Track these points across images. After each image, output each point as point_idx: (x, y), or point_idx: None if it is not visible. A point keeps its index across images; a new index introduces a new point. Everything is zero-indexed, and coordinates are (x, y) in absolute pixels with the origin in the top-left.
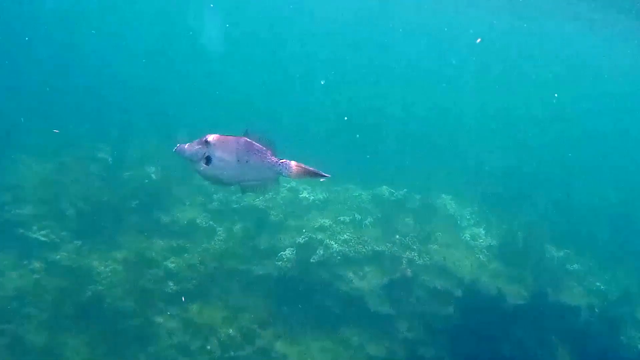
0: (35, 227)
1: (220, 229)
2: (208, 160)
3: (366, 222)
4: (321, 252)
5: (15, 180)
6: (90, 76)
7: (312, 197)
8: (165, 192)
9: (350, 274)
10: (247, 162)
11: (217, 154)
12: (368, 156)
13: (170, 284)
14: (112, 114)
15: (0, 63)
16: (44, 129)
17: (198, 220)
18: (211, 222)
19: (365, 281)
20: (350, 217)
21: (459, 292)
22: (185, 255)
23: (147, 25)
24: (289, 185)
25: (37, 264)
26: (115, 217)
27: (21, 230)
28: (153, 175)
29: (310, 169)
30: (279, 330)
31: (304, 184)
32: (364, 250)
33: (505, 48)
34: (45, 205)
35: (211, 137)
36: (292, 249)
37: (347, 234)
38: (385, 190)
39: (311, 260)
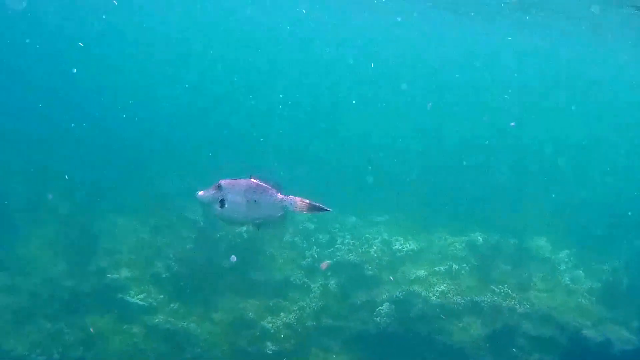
0: (132, 292)
1: (314, 285)
2: (222, 203)
3: (462, 271)
4: (419, 305)
5: (112, 245)
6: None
7: (405, 248)
8: (258, 250)
9: (450, 327)
10: (255, 201)
11: (229, 196)
12: (459, 202)
13: (269, 344)
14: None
15: (93, 124)
16: (136, 188)
17: (292, 278)
18: (305, 280)
19: (466, 333)
20: (446, 267)
21: (563, 340)
22: (282, 314)
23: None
24: (381, 238)
25: (136, 329)
26: (210, 278)
27: (120, 295)
28: (244, 234)
29: (314, 203)
30: None
31: (397, 235)
32: (462, 301)
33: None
34: (141, 269)
35: (223, 182)
36: (389, 303)
37: (444, 285)
38: (478, 236)
39: (410, 315)
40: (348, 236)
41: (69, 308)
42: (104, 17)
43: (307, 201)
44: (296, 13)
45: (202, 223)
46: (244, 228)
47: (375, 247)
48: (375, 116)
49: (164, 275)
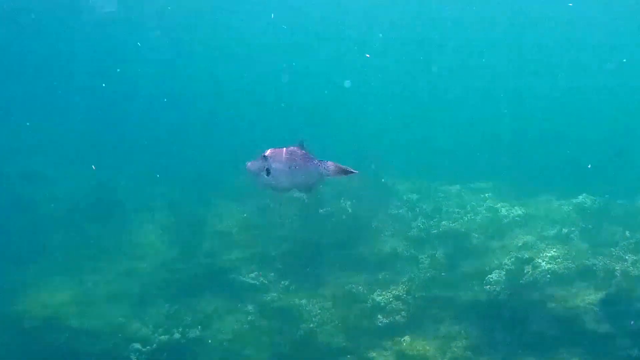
0: (244, 271)
1: (422, 256)
2: (267, 171)
3: (571, 235)
4: (529, 271)
5: (221, 227)
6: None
7: (511, 214)
8: (364, 224)
9: (563, 293)
10: (296, 167)
11: (274, 165)
12: (562, 164)
13: (380, 317)
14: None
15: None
16: (239, 176)
17: (399, 250)
18: (412, 251)
19: (579, 299)
20: (554, 232)
21: None
22: (391, 286)
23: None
24: (486, 205)
25: (250, 307)
26: (318, 254)
27: (232, 275)
28: (349, 209)
29: (344, 167)
30: (495, 356)
31: (501, 201)
32: (573, 265)
33: None
34: (250, 249)
35: (267, 152)
36: (498, 271)
37: (554, 250)
38: (585, 198)
39: (520, 282)
40: (453, 205)
41: (185, 290)
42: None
43: (338, 165)
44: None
45: (306, 200)
46: (348, 202)
47: (481, 215)
48: (466, 85)
49: (272, 254)
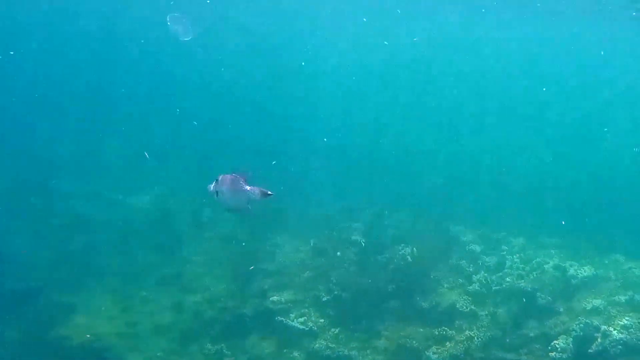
0: (293, 315)
1: (482, 313)
2: (217, 193)
3: None
4: (598, 340)
5: (274, 266)
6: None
7: (580, 274)
8: (422, 274)
9: None
10: (235, 191)
11: (221, 188)
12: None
13: None
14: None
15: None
16: (297, 208)
17: (458, 305)
18: (472, 307)
19: None
20: (626, 297)
21: None
22: (448, 343)
23: None
24: (552, 262)
25: (296, 354)
26: (373, 303)
27: (280, 318)
28: (409, 257)
29: (265, 190)
30: None
31: (569, 259)
32: None
33: None
34: (303, 292)
35: (220, 177)
36: (565, 336)
37: (626, 318)
38: None
39: (589, 351)
40: (517, 260)
41: (230, 329)
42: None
43: (263, 190)
44: None
45: (363, 244)
46: (408, 249)
47: (547, 274)
48: (537, 136)
49: (325, 299)
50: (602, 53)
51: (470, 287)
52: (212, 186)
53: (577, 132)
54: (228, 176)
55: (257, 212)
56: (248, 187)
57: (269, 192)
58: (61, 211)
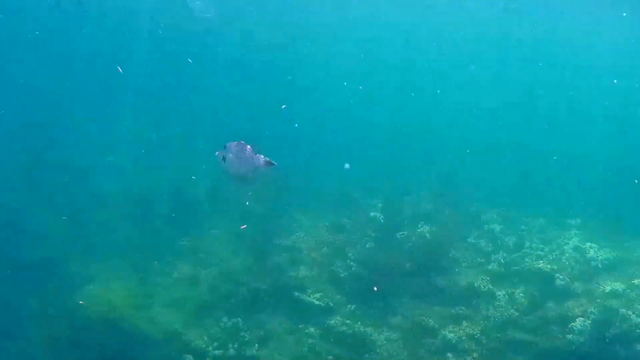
0: (310, 290)
1: (500, 293)
2: (224, 158)
3: None
4: (617, 324)
5: (291, 242)
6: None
7: (600, 257)
8: (441, 252)
9: None
10: (241, 158)
11: (228, 154)
12: None
13: (450, 355)
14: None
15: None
16: (318, 186)
17: (477, 284)
18: (490, 286)
19: None
20: None
21: None
22: (465, 323)
23: None
24: (572, 244)
25: (312, 329)
26: (390, 280)
27: (297, 294)
28: (427, 235)
29: (269, 160)
30: None
31: (589, 241)
32: None
33: None
34: (319, 268)
35: (227, 144)
36: (583, 319)
37: None
38: None
39: (606, 334)
40: (537, 240)
41: (246, 304)
42: None
43: (267, 159)
44: None
45: (382, 221)
46: (427, 227)
47: (566, 255)
48: (564, 115)
49: (342, 275)
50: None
51: (489, 267)
52: (220, 152)
53: (602, 112)
54: (235, 143)
55: (263, 183)
56: (254, 155)
57: (273, 162)
58: (79, 185)
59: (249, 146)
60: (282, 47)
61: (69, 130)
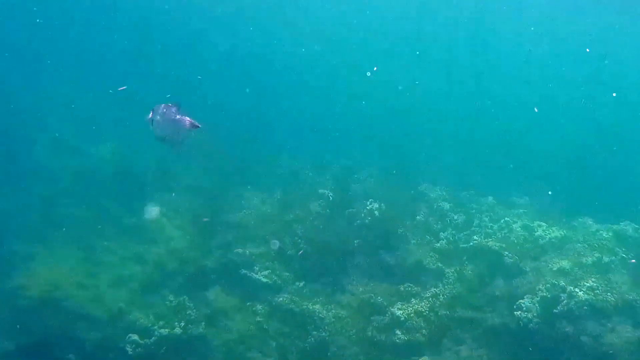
0: (257, 268)
1: (449, 271)
2: (152, 121)
3: (612, 265)
4: (564, 301)
5: (238, 218)
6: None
7: (547, 235)
8: (390, 230)
9: (599, 327)
10: (166, 120)
11: (155, 117)
12: (606, 188)
13: (398, 332)
14: (335, 143)
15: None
16: (267, 164)
17: (425, 262)
18: (439, 264)
19: (616, 335)
20: (593, 259)
21: None
22: (413, 300)
23: None
24: (521, 222)
25: (259, 307)
26: (338, 257)
27: (244, 271)
28: (376, 213)
29: (193, 121)
30: None
31: (538, 220)
32: (612, 299)
33: None
34: (267, 245)
35: (155, 107)
36: (530, 296)
37: (592, 279)
38: (627, 226)
39: (554, 311)
40: (486, 218)
41: (192, 281)
42: None
43: (192, 121)
44: None
45: (331, 198)
46: (376, 205)
47: (515, 233)
48: (524, 100)
49: (290, 252)
50: None
51: (438, 244)
52: (148, 115)
53: (555, 94)
54: (162, 105)
55: (184, 145)
56: (178, 116)
57: (197, 124)
58: (22, 158)
59: (174, 108)
60: None
61: (8, 101)
